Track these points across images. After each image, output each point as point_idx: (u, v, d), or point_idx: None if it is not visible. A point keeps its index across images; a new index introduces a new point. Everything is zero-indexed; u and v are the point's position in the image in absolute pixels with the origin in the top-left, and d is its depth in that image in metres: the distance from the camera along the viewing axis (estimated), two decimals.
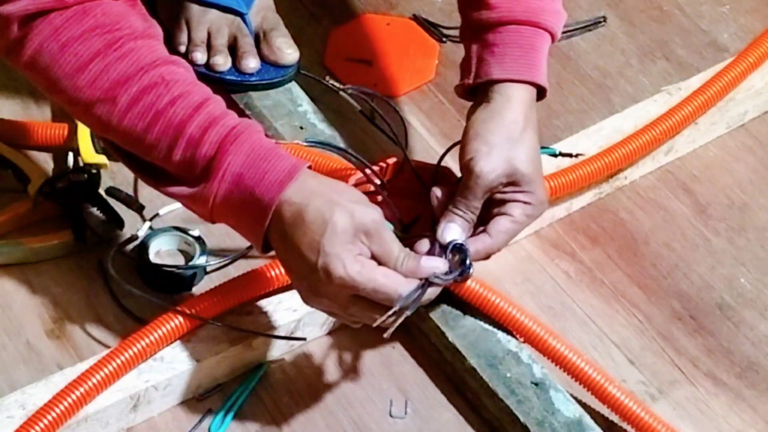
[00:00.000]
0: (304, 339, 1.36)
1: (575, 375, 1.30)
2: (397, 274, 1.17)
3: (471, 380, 1.32)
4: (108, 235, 1.43)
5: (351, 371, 1.35)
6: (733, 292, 1.46)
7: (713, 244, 1.51)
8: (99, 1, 1.16)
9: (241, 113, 1.53)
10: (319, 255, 1.14)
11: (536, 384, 1.30)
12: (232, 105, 1.54)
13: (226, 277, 1.35)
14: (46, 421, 1.20)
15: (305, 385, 1.34)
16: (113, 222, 1.43)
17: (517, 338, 1.33)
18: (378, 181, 1.36)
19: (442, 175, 1.37)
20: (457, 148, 1.31)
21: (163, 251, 1.43)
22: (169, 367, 1.28)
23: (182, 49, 1.56)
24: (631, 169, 1.55)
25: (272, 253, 1.19)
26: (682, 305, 1.45)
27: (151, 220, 1.44)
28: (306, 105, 1.55)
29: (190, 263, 1.41)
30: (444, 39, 1.71)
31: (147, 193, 1.47)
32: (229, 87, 1.55)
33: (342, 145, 1.48)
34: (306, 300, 1.20)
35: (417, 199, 1.38)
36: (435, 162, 1.37)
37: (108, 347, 1.29)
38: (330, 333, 1.38)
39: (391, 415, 1.32)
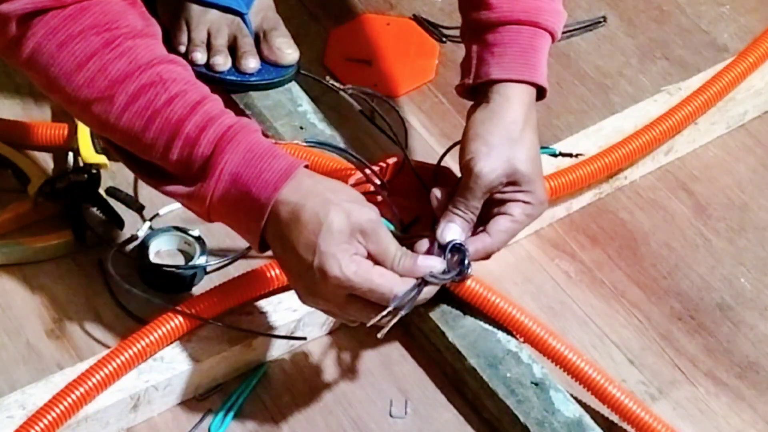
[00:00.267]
0: (304, 339, 1.36)
1: (575, 375, 1.30)
2: (392, 273, 1.17)
3: (471, 380, 1.32)
4: (108, 235, 1.43)
5: (351, 371, 1.35)
6: (733, 292, 1.46)
7: (713, 244, 1.51)
8: None
9: (241, 113, 1.53)
10: (315, 255, 1.14)
11: (536, 384, 1.30)
12: (231, 105, 1.55)
13: (226, 277, 1.35)
14: (46, 421, 1.20)
15: (305, 385, 1.34)
16: (113, 222, 1.44)
17: (517, 338, 1.33)
18: (378, 181, 1.36)
19: (442, 175, 1.37)
20: (457, 148, 1.31)
21: (163, 251, 1.43)
22: (169, 367, 1.28)
23: (182, 49, 1.56)
24: (631, 169, 1.55)
25: (270, 252, 1.19)
26: (682, 305, 1.45)
27: (151, 220, 1.44)
28: (306, 105, 1.55)
29: (190, 263, 1.41)
30: (444, 39, 1.71)
31: (147, 193, 1.47)
32: (229, 87, 1.55)
33: (342, 145, 1.48)
34: (303, 299, 1.20)
35: (417, 199, 1.38)
36: (435, 162, 1.37)
37: (108, 347, 1.29)
38: (330, 333, 1.38)
39: (391, 415, 1.32)
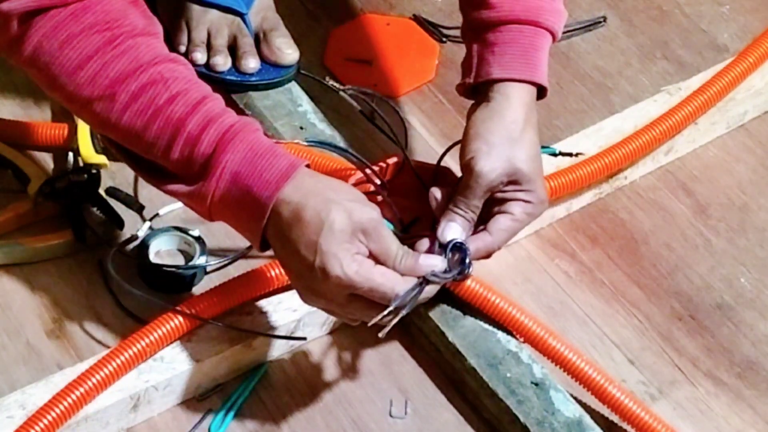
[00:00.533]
0: (304, 339, 1.36)
1: (575, 375, 1.30)
2: (394, 273, 1.17)
3: (471, 380, 1.32)
4: (108, 235, 1.43)
5: (351, 371, 1.36)
6: (733, 292, 1.46)
7: (713, 244, 1.51)
8: None
9: (241, 113, 1.53)
10: (317, 254, 1.14)
11: (536, 384, 1.30)
12: (231, 105, 1.55)
13: (226, 277, 1.35)
14: (46, 421, 1.20)
15: (305, 385, 1.34)
16: (113, 222, 1.43)
17: (517, 338, 1.33)
18: (378, 181, 1.36)
19: (442, 175, 1.37)
20: (457, 148, 1.31)
21: (163, 251, 1.43)
22: (169, 367, 1.28)
23: (182, 49, 1.56)
24: (631, 169, 1.55)
25: (270, 251, 1.19)
26: (682, 305, 1.45)
27: (151, 220, 1.44)
28: (306, 105, 1.55)
29: (190, 263, 1.41)
30: (444, 39, 1.71)
31: (147, 193, 1.47)
32: (229, 87, 1.55)
33: (342, 145, 1.48)
34: (304, 298, 1.20)
35: (417, 199, 1.38)
36: (435, 162, 1.37)
37: (108, 347, 1.29)
38: (330, 333, 1.38)
39: (391, 415, 1.32)
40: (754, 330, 1.43)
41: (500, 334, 1.33)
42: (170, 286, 1.40)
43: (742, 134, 1.63)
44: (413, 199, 1.38)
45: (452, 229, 1.26)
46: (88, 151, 1.46)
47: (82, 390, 1.22)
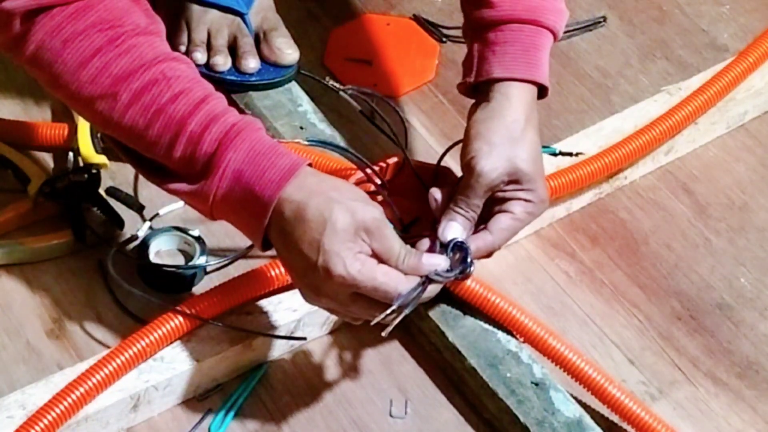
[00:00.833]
0: (304, 339, 1.36)
1: (575, 375, 1.30)
2: (396, 272, 1.17)
3: (471, 380, 1.32)
4: (108, 235, 1.43)
5: (351, 371, 1.36)
6: (733, 292, 1.46)
7: (713, 244, 1.51)
8: None
9: (241, 113, 1.53)
10: (320, 253, 1.14)
11: (536, 384, 1.30)
12: (231, 105, 1.55)
13: (226, 277, 1.35)
14: (46, 421, 1.20)
15: (305, 385, 1.34)
16: (113, 222, 1.43)
17: (517, 338, 1.33)
18: (378, 181, 1.36)
19: (442, 175, 1.37)
20: (457, 148, 1.31)
21: (163, 251, 1.43)
22: (169, 367, 1.28)
23: (182, 49, 1.56)
24: (631, 169, 1.55)
25: (272, 251, 1.19)
26: (682, 305, 1.45)
27: (151, 220, 1.44)
28: (306, 105, 1.55)
29: (190, 263, 1.41)
30: (444, 39, 1.71)
31: (147, 193, 1.47)
32: (229, 87, 1.55)
33: (342, 145, 1.48)
34: (306, 297, 1.20)
35: (417, 199, 1.38)
36: (435, 162, 1.37)
37: (108, 347, 1.29)
38: (330, 333, 1.38)
39: (391, 415, 1.33)
40: (754, 330, 1.43)
41: (500, 334, 1.33)
42: (170, 286, 1.40)
43: (742, 134, 1.63)
44: (413, 199, 1.38)
45: (453, 229, 1.26)
46: (88, 151, 1.46)
47: (82, 390, 1.22)
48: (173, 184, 1.19)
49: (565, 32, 1.69)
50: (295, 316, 1.34)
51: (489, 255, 1.30)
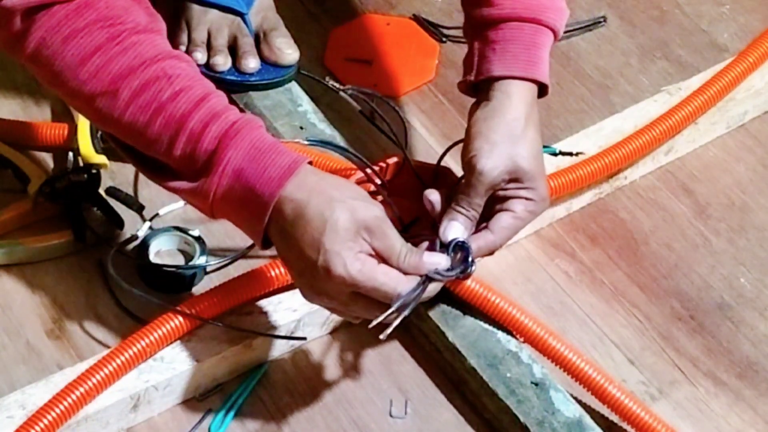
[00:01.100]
0: (304, 339, 1.36)
1: (575, 375, 1.30)
2: (397, 272, 1.17)
3: (471, 380, 1.32)
4: (108, 235, 1.43)
5: (351, 371, 1.36)
6: (733, 292, 1.46)
7: (713, 244, 1.51)
8: None
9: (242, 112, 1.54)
10: (320, 253, 1.14)
11: (536, 384, 1.30)
12: (232, 104, 1.55)
13: (226, 277, 1.35)
14: (46, 421, 1.20)
15: (305, 385, 1.34)
16: (113, 222, 1.44)
17: (517, 338, 1.33)
18: (378, 181, 1.36)
19: (442, 175, 1.37)
20: (457, 148, 1.31)
21: (163, 251, 1.43)
22: (169, 367, 1.28)
23: (182, 49, 1.56)
24: (631, 169, 1.55)
25: (272, 251, 1.19)
26: (682, 305, 1.45)
27: (151, 220, 1.44)
28: (306, 105, 1.55)
29: (190, 263, 1.41)
30: (444, 39, 1.71)
31: (147, 193, 1.47)
32: (229, 87, 1.55)
33: (342, 145, 1.48)
34: (306, 296, 1.20)
35: (417, 199, 1.38)
36: (435, 162, 1.37)
37: (108, 347, 1.30)
38: (330, 333, 1.38)
39: (391, 415, 1.33)
40: (754, 330, 1.43)
41: (500, 334, 1.33)
42: (170, 286, 1.40)
43: (742, 134, 1.63)
44: (413, 199, 1.38)
45: (454, 228, 1.26)
46: (88, 151, 1.46)
47: (82, 390, 1.22)
48: (174, 182, 1.19)
49: (565, 32, 1.69)
50: (295, 316, 1.34)
51: (490, 254, 1.30)
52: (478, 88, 1.31)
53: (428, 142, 1.58)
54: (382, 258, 1.17)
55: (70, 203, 1.43)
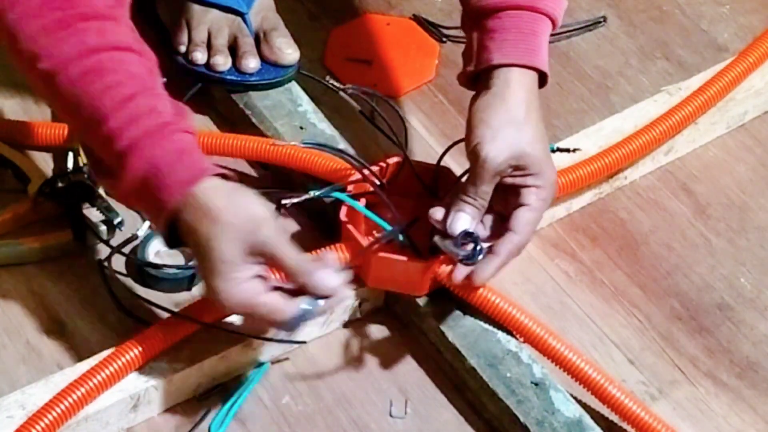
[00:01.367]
0: (304, 342, 1.36)
1: (575, 375, 1.29)
2: (279, 300, 1.18)
3: (471, 380, 1.32)
4: (108, 235, 1.43)
5: (351, 371, 1.35)
6: (733, 292, 1.46)
7: (713, 244, 1.51)
8: None
9: (241, 113, 1.54)
10: (211, 278, 1.17)
11: (536, 384, 1.30)
12: (231, 104, 1.55)
13: None
14: (46, 421, 1.20)
15: (305, 385, 1.34)
16: (113, 222, 1.43)
17: (517, 338, 1.33)
18: (378, 181, 1.36)
19: (442, 175, 1.37)
20: (456, 148, 1.31)
21: (163, 251, 1.43)
22: (169, 367, 1.28)
23: (182, 48, 1.56)
24: (631, 169, 1.55)
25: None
26: (682, 305, 1.45)
27: None
28: (306, 105, 1.55)
29: (190, 263, 1.40)
30: (444, 39, 1.71)
31: None
32: (229, 87, 1.55)
33: (342, 145, 1.48)
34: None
35: (417, 199, 1.38)
36: (435, 162, 1.37)
37: (108, 347, 1.29)
38: (330, 333, 1.38)
39: (391, 415, 1.32)
40: (754, 330, 1.43)
41: (500, 334, 1.33)
42: (170, 287, 1.40)
43: (742, 134, 1.63)
44: (413, 199, 1.38)
45: (462, 220, 1.26)
46: None
47: (82, 390, 1.22)
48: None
49: (565, 32, 1.70)
50: None
51: (519, 253, 1.30)
52: (478, 78, 1.31)
53: (428, 142, 1.58)
54: (279, 271, 1.20)
55: (70, 203, 1.43)
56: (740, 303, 1.45)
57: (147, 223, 1.43)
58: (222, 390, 1.32)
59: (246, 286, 1.17)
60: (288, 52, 1.57)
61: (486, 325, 1.34)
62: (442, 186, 1.37)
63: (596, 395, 1.29)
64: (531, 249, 1.48)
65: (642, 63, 1.70)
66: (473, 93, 1.32)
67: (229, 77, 1.55)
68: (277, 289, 1.20)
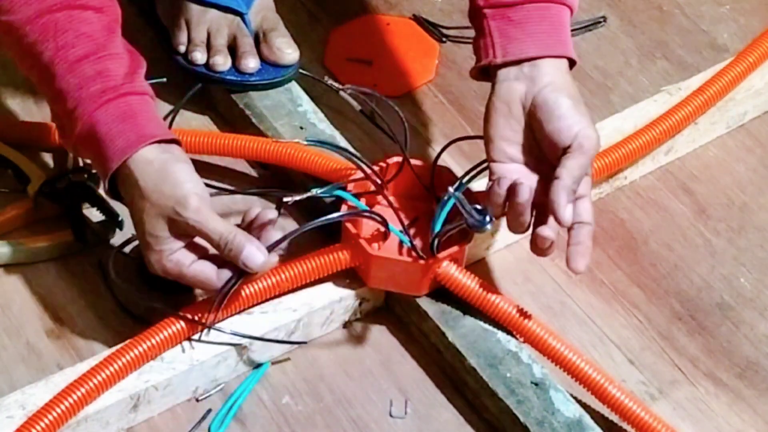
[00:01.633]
0: (304, 342, 1.36)
1: (575, 375, 1.29)
2: (209, 269, 1.25)
3: (471, 380, 1.32)
4: (108, 235, 1.43)
5: (351, 371, 1.35)
6: (733, 292, 1.46)
7: (713, 244, 1.51)
8: None
9: (241, 113, 1.53)
10: (142, 246, 1.25)
11: (536, 384, 1.30)
12: (231, 104, 1.55)
13: None
14: (46, 421, 1.20)
15: (305, 385, 1.34)
16: (113, 222, 1.43)
17: (517, 338, 1.33)
18: (378, 181, 1.36)
19: (441, 175, 1.37)
20: (455, 147, 1.31)
21: None
22: (169, 367, 1.28)
23: (182, 48, 1.56)
24: (631, 169, 1.55)
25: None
26: (682, 305, 1.45)
27: None
28: (306, 105, 1.55)
29: None
30: (444, 39, 1.71)
31: None
32: (229, 87, 1.55)
33: (342, 145, 1.48)
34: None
35: (417, 198, 1.38)
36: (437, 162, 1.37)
37: (108, 347, 1.29)
38: (330, 333, 1.38)
39: (391, 415, 1.32)
40: (754, 330, 1.43)
41: (500, 334, 1.33)
42: (170, 286, 1.39)
43: (742, 134, 1.63)
44: (413, 199, 1.38)
45: (570, 209, 1.28)
46: None
47: (82, 390, 1.22)
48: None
49: None
50: (295, 316, 1.33)
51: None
52: (498, 68, 1.31)
53: (428, 142, 1.58)
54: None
55: (70, 203, 1.43)
56: (740, 303, 1.45)
57: None
58: (222, 390, 1.32)
59: (173, 257, 1.24)
60: (288, 52, 1.57)
61: (486, 325, 1.34)
62: (440, 186, 1.37)
63: (596, 395, 1.29)
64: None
65: (642, 63, 1.70)
66: (490, 86, 1.31)
67: (228, 77, 1.55)
68: (209, 257, 1.26)
